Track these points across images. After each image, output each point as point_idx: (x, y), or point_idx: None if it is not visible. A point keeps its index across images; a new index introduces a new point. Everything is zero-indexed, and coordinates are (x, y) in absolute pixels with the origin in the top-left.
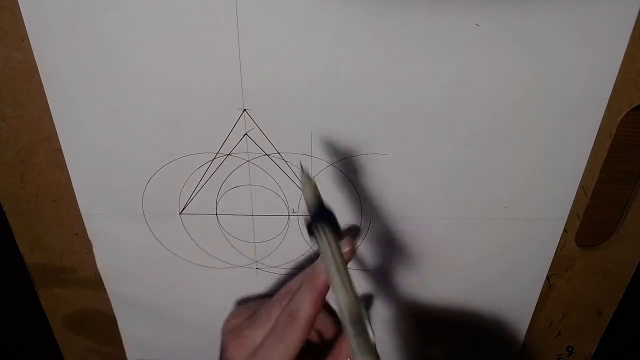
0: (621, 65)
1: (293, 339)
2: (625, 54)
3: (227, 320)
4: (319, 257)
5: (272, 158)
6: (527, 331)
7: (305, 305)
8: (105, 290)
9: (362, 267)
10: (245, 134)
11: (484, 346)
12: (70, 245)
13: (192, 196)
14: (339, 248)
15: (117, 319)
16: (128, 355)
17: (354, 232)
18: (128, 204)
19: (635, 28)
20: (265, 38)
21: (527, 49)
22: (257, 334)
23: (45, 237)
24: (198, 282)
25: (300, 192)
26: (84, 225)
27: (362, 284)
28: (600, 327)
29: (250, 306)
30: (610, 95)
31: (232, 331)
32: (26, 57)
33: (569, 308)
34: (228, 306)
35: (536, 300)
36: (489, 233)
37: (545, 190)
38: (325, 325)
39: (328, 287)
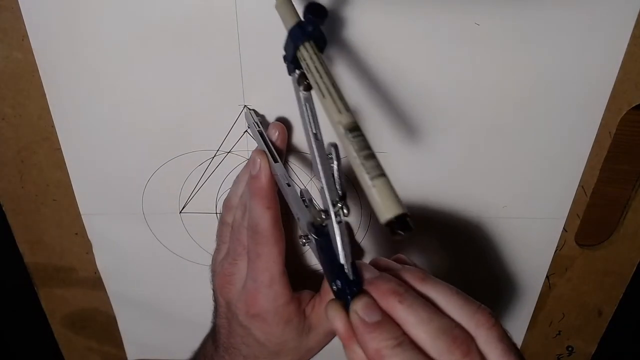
0: (621, 64)
1: (269, 251)
2: (625, 53)
3: (212, 262)
4: (253, 152)
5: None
6: (527, 331)
7: (259, 215)
8: (105, 290)
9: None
10: (246, 130)
11: None
12: (70, 244)
13: (192, 195)
14: (326, 69)
15: (117, 318)
16: (128, 355)
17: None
18: (128, 203)
19: (635, 27)
20: (265, 35)
21: (527, 48)
22: (239, 266)
23: (45, 237)
24: (198, 281)
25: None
26: (84, 225)
27: None
28: (600, 327)
29: (224, 240)
30: (610, 95)
31: (216, 273)
32: (26, 57)
33: (569, 308)
34: None
35: (536, 300)
36: (488, 232)
37: (544, 189)
38: None
39: (272, 181)
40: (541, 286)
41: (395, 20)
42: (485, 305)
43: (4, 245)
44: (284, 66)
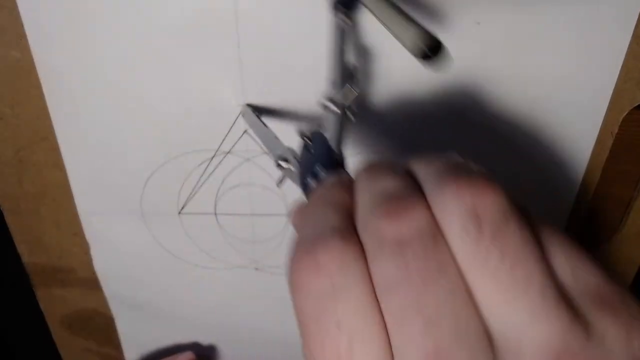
0: (623, 64)
1: None
2: (627, 52)
3: None
4: None
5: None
6: None
7: None
8: (103, 290)
9: None
10: (245, 131)
11: None
12: (69, 245)
13: (191, 195)
14: None
15: (115, 319)
16: (126, 356)
17: None
18: (126, 204)
19: (637, 26)
20: (265, 33)
21: (528, 48)
22: None
23: (44, 237)
24: (196, 282)
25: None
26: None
27: None
28: None
29: None
30: (612, 94)
31: None
32: (24, 56)
33: None
34: (226, 306)
35: None
36: None
37: (546, 189)
38: None
39: None
40: None
41: None
42: None
43: (3, 245)
44: (284, 66)
